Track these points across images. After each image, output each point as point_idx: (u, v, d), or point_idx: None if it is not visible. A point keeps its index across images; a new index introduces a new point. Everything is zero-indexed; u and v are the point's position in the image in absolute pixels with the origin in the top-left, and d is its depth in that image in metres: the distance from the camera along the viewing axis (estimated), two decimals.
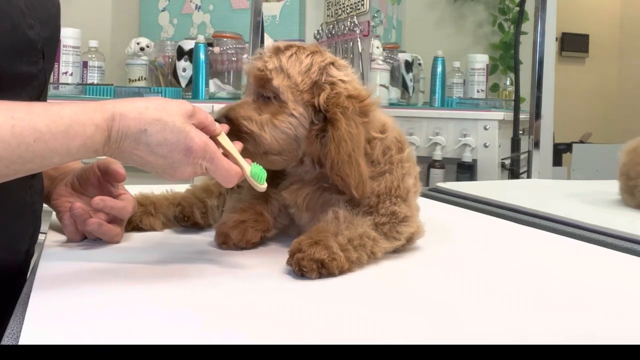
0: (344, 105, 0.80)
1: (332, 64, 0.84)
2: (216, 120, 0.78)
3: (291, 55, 0.83)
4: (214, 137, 0.74)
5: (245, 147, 0.80)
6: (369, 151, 0.83)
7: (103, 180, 0.89)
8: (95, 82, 2.46)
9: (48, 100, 0.84)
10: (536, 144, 1.90)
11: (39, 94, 0.81)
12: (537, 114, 1.90)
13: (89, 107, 0.69)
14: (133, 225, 0.92)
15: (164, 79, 2.63)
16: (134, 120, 0.70)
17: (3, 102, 0.65)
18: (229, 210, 0.88)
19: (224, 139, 0.76)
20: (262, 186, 0.77)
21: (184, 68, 2.46)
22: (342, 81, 0.82)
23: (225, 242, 0.85)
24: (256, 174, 0.77)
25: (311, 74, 0.82)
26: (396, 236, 0.82)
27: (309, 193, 0.85)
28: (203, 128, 0.74)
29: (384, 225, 0.81)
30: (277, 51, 0.83)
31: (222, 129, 0.77)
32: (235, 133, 0.80)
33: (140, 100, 0.72)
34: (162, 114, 0.71)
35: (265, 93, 0.82)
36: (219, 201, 0.95)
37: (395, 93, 2.75)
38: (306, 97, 0.82)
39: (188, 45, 2.46)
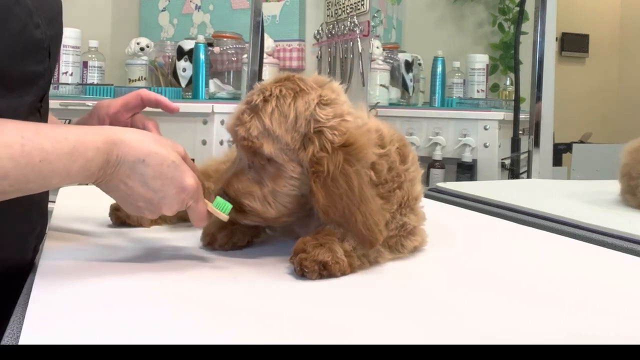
0: (322, 170, 0.73)
1: (319, 103, 0.75)
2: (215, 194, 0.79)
3: (272, 110, 0.75)
4: None
5: (250, 219, 0.79)
6: (374, 178, 0.78)
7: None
8: (95, 82, 2.46)
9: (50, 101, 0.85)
10: (536, 144, 1.90)
11: (44, 92, 0.81)
12: (537, 113, 1.89)
13: (91, 130, 0.71)
14: (121, 221, 0.93)
15: (164, 79, 2.63)
16: (134, 149, 0.71)
17: (13, 121, 0.67)
18: None
19: None
20: (226, 216, 0.78)
21: (184, 68, 2.45)
22: (329, 127, 0.75)
23: (210, 244, 0.84)
24: (220, 204, 0.77)
25: (299, 128, 0.75)
26: (400, 249, 0.82)
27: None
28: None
29: (391, 238, 0.81)
30: (255, 109, 0.75)
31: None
32: (237, 209, 0.78)
33: (140, 132, 0.75)
34: (161, 148, 0.73)
35: (258, 161, 0.76)
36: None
37: (395, 93, 2.75)
38: (301, 155, 0.75)
39: (188, 45, 2.45)
